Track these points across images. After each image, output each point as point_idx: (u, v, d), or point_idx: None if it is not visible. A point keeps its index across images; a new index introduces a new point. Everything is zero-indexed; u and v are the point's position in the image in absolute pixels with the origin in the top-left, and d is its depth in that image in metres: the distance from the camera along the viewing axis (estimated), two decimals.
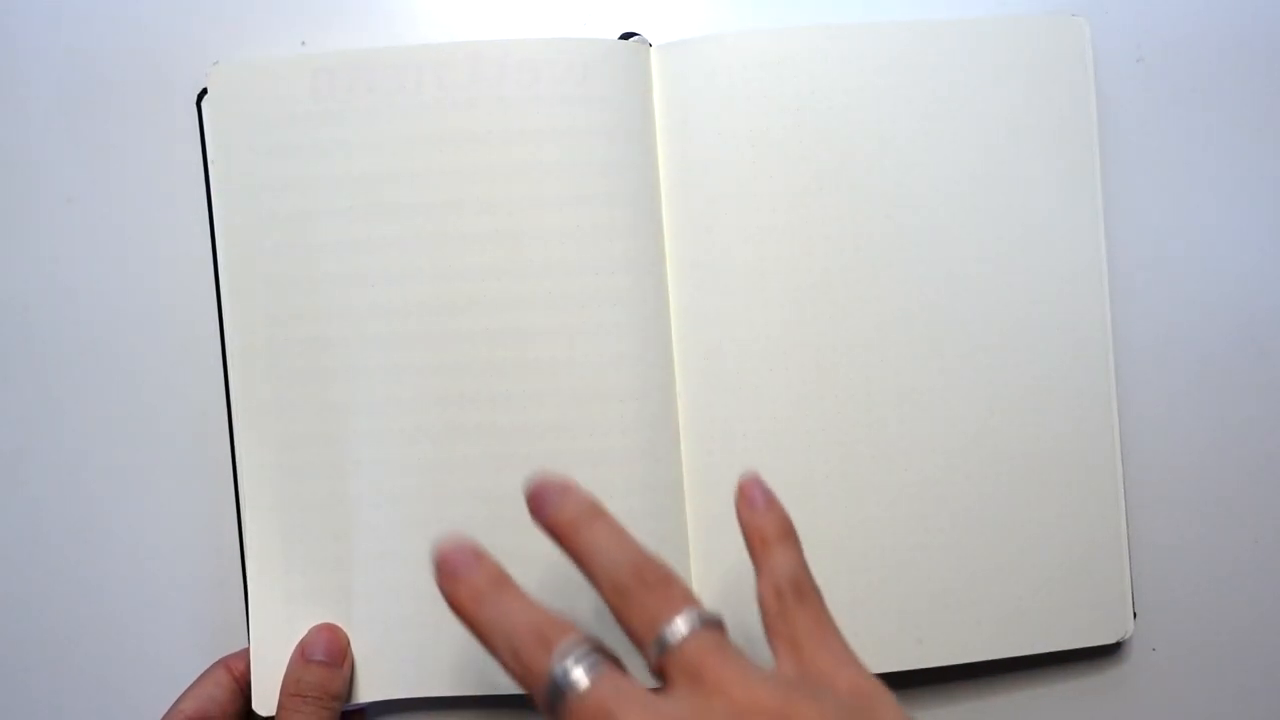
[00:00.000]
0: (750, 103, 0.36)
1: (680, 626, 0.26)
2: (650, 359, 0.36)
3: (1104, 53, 0.38)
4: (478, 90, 0.36)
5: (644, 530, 0.36)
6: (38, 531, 0.38)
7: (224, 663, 0.36)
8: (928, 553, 0.37)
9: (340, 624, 0.36)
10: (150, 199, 0.38)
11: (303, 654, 0.35)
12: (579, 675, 0.24)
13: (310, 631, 0.35)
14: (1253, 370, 0.40)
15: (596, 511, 0.29)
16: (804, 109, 0.36)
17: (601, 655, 0.25)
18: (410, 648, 0.36)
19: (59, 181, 0.39)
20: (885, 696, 0.26)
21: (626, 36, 0.38)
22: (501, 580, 0.27)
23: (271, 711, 0.35)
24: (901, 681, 0.38)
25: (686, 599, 0.27)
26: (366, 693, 0.36)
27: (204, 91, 0.37)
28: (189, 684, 0.35)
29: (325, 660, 0.34)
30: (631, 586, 0.27)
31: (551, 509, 0.29)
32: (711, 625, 0.26)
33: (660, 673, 0.26)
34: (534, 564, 0.36)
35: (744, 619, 0.37)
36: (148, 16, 0.39)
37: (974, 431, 0.37)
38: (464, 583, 0.27)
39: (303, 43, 0.39)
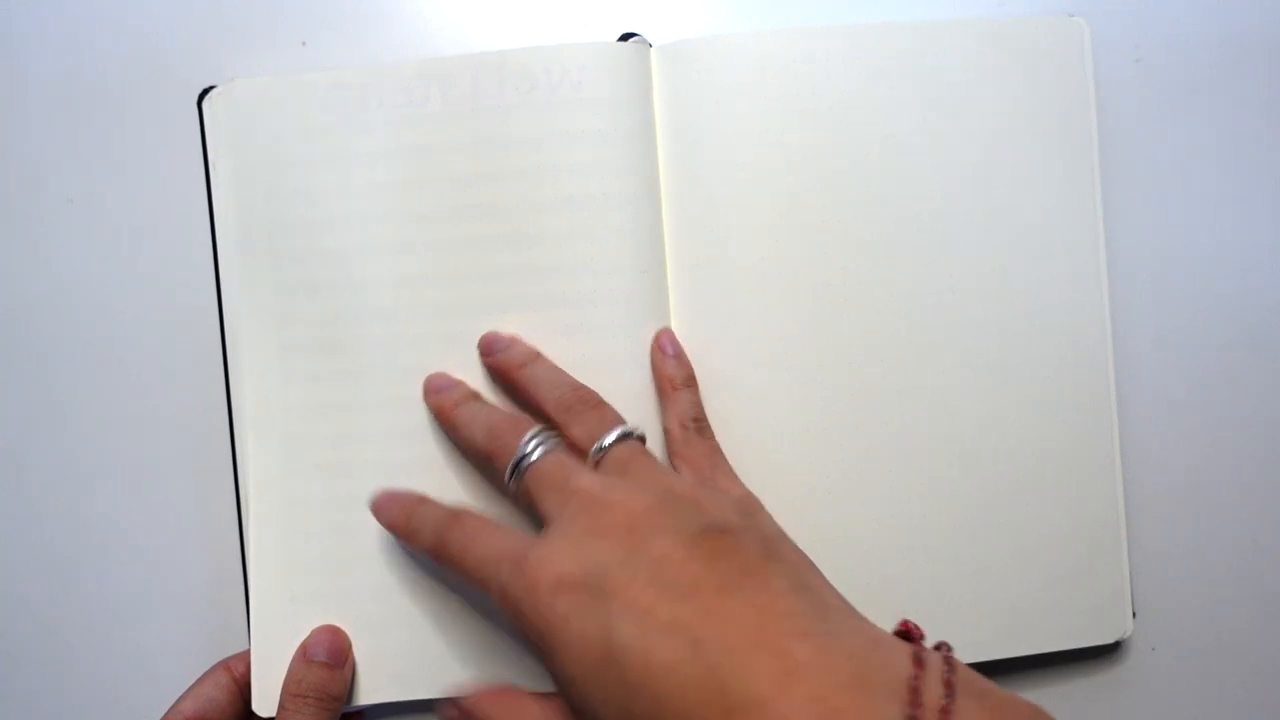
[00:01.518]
0: (751, 103, 0.36)
1: (614, 435, 0.32)
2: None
3: (1102, 53, 0.39)
4: (480, 100, 0.36)
5: None
6: (38, 531, 0.38)
7: (224, 664, 0.36)
8: (927, 552, 0.37)
9: (342, 625, 0.36)
10: (150, 199, 0.38)
11: (304, 654, 0.35)
12: (537, 449, 0.31)
13: (312, 632, 0.35)
14: (1252, 370, 0.40)
15: (536, 355, 0.35)
16: (804, 109, 0.37)
17: (557, 437, 0.32)
18: (412, 650, 0.36)
19: (59, 181, 0.39)
20: (763, 511, 0.32)
21: (626, 37, 0.38)
22: (473, 394, 0.35)
23: (272, 712, 0.35)
24: None
25: (618, 418, 0.33)
26: (368, 695, 0.36)
27: (204, 92, 0.37)
28: (189, 685, 0.35)
29: (327, 661, 0.34)
30: (574, 405, 0.33)
31: (500, 353, 0.35)
32: (638, 438, 0.33)
33: (596, 469, 0.32)
34: None
35: None
36: (147, 17, 0.39)
37: (973, 431, 0.37)
38: (445, 394, 0.35)
39: (303, 43, 0.39)
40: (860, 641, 0.25)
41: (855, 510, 0.37)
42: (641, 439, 0.33)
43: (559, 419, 0.33)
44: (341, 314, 0.36)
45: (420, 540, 0.33)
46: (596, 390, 0.35)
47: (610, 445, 0.32)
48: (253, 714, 0.35)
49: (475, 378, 0.36)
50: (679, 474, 0.33)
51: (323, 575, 0.36)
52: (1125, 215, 0.39)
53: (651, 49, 0.37)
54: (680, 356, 0.36)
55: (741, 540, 0.28)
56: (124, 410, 0.38)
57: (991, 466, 0.37)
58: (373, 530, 0.36)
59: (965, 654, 0.37)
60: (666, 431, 0.35)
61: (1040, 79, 0.37)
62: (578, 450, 0.33)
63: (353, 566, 0.36)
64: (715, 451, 0.35)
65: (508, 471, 0.32)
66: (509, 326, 0.36)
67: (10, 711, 0.38)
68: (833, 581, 0.36)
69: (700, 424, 0.35)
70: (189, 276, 0.38)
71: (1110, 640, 0.37)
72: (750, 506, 0.32)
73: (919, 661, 0.25)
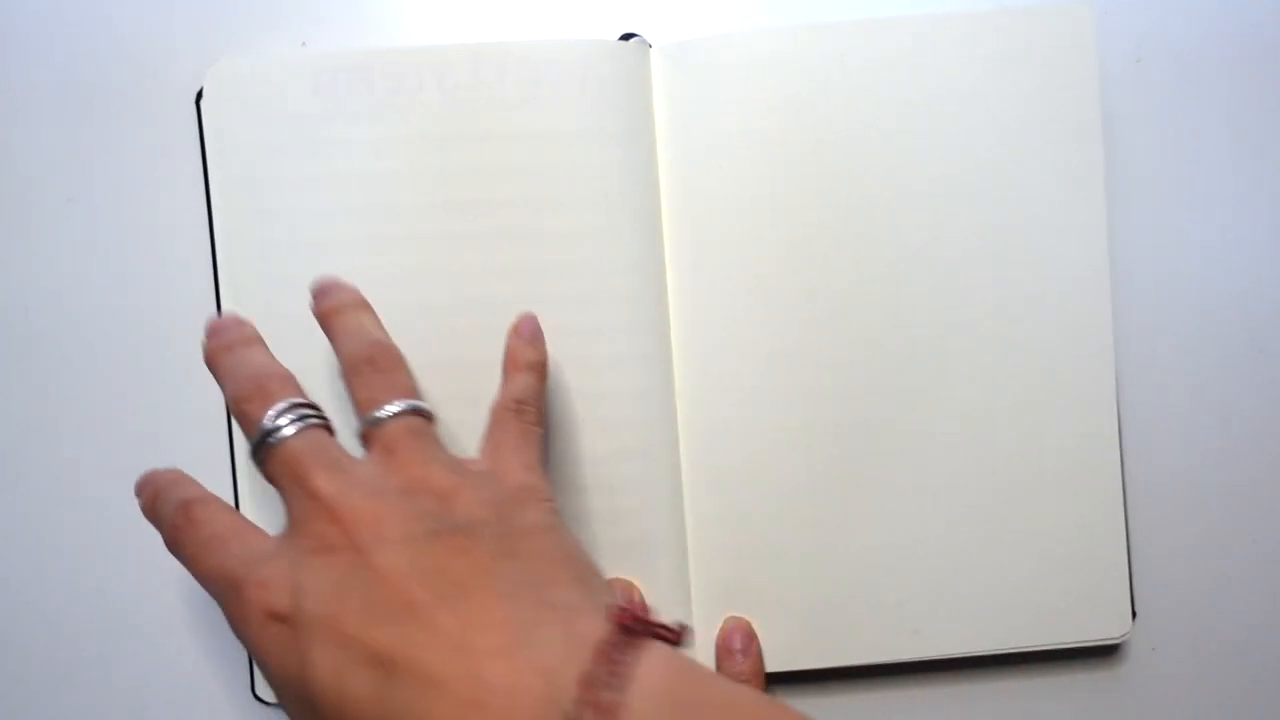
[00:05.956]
0: (751, 103, 0.36)
1: (390, 408, 0.29)
2: (650, 359, 0.36)
3: (1102, 53, 0.39)
4: (477, 91, 0.36)
5: (642, 528, 0.36)
6: (38, 531, 0.38)
7: None
8: (926, 547, 0.37)
9: None
10: (150, 199, 0.38)
11: None
12: (285, 428, 0.28)
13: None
14: (1253, 369, 0.40)
15: (357, 304, 0.33)
16: (805, 108, 0.37)
17: (313, 414, 0.28)
18: None
19: (59, 181, 0.39)
20: (538, 501, 0.28)
21: (627, 37, 0.38)
22: (250, 340, 0.31)
23: (275, 698, 0.35)
24: (899, 673, 0.38)
25: (405, 389, 0.30)
26: None
27: (203, 91, 0.37)
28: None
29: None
30: (363, 367, 0.30)
31: (321, 300, 0.33)
32: (418, 413, 0.29)
33: (365, 443, 0.29)
34: None
35: (743, 614, 0.37)
36: (147, 17, 0.39)
37: (975, 428, 0.37)
38: (218, 337, 0.31)
39: (303, 43, 0.39)
40: (558, 653, 0.24)
41: (855, 508, 0.37)
42: (427, 416, 0.30)
43: (347, 379, 0.31)
44: None
45: (161, 532, 0.29)
46: (595, 390, 0.35)
47: (386, 419, 0.29)
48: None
49: (474, 376, 0.36)
50: (459, 460, 0.29)
51: None
52: (1126, 215, 0.39)
53: (651, 49, 0.37)
54: (535, 342, 0.33)
55: (476, 540, 0.26)
56: (124, 410, 0.38)
57: (993, 465, 0.37)
58: None
59: (961, 647, 0.37)
60: (491, 411, 0.32)
61: (1045, 68, 0.37)
62: (356, 414, 0.30)
63: None
64: (525, 434, 0.31)
65: (254, 448, 0.28)
66: (506, 323, 0.36)
67: (10, 711, 0.38)
68: (832, 573, 0.36)
69: (523, 406, 0.31)
70: (188, 276, 0.38)
71: (1109, 638, 0.37)
72: (522, 496, 0.28)
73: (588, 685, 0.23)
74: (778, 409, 0.37)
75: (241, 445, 0.37)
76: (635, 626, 0.25)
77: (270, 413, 0.28)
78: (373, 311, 0.33)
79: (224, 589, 0.27)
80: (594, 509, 0.36)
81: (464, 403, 0.36)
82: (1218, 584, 0.40)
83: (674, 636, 0.26)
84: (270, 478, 0.28)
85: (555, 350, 0.36)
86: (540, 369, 0.33)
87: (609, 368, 0.36)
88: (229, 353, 0.30)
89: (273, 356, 0.31)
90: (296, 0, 0.39)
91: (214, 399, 0.38)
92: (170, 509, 0.29)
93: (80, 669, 0.38)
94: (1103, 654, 0.39)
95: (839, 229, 0.37)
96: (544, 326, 0.36)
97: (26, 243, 0.38)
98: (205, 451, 0.38)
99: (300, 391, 0.29)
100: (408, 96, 0.36)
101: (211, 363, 0.31)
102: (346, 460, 0.28)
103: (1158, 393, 0.40)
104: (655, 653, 0.24)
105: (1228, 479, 0.40)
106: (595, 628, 0.24)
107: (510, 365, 0.33)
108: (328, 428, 0.29)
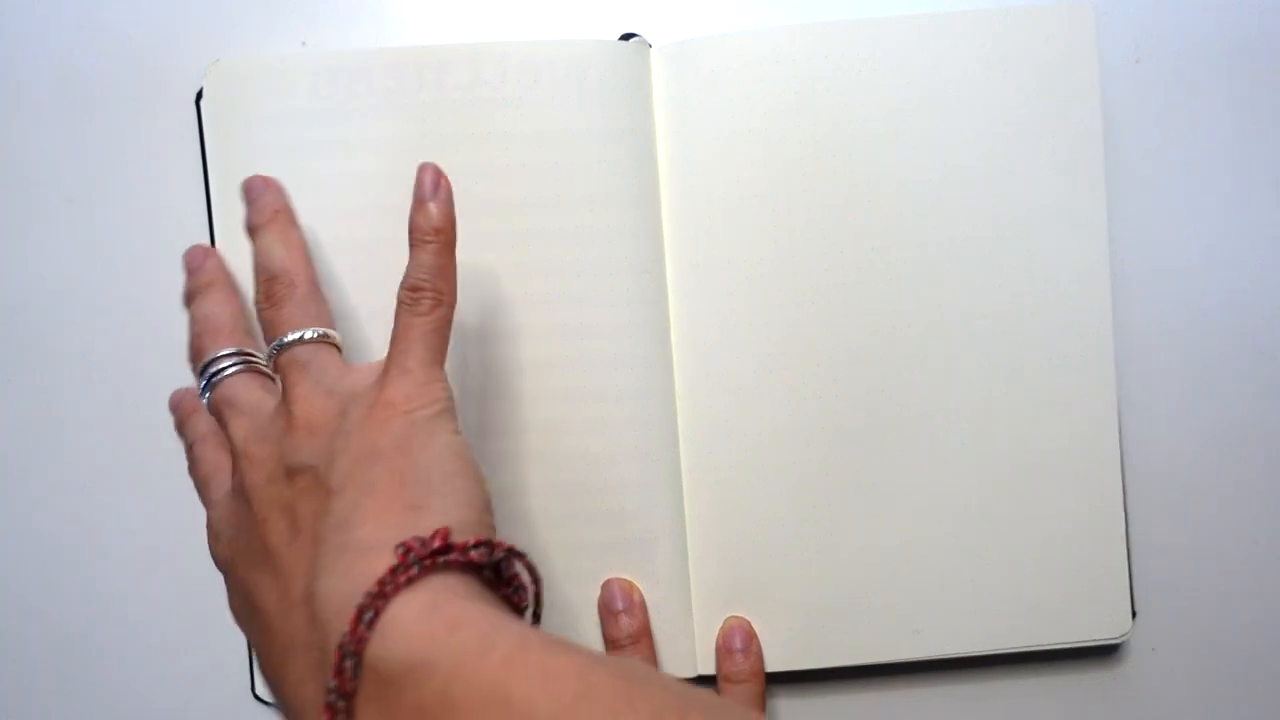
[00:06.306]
0: (751, 102, 0.36)
1: (278, 344, 0.30)
2: (650, 359, 0.36)
3: (1102, 53, 0.38)
4: (478, 91, 0.36)
5: (642, 528, 0.36)
6: (38, 532, 0.38)
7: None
8: (926, 547, 0.37)
9: None
10: (150, 199, 0.39)
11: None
12: (211, 381, 0.31)
13: None
14: (1252, 370, 0.40)
15: (269, 220, 0.33)
16: (805, 108, 0.37)
17: (237, 362, 0.31)
18: None
19: (59, 182, 0.39)
20: (397, 415, 0.27)
21: (626, 37, 0.38)
22: (206, 285, 0.34)
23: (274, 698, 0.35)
24: (899, 673, 0.38)
25: (292, 321, 0.30)
26: None
27: (203, 91, 0.37)
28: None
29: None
30: (261, 304, 0.31)
31: (246, 210, 0.34)
32: (303, 342, 0.30)
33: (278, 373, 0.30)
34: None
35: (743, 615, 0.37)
36: (147, 17, 0.39)
37: (975, 428, 0.37)
38: (190, 278, 0.34)
39: (303, 43, 0.39)
40: (334, 605, 0.23)
41: (855, 508, 0.37)
42: (318, 339, 0.30)
43: (256, 311, 0.32)
44: (333, 308, 0.36)
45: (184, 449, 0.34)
46: (595, 390, 0.35)
47: (276, 356, 0.30)
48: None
49: (472, 375, 0.36)
50: (349, 378, 0.29)
51: None
52: (1124, 215, 0.39)
53: (651, 49, 0.37)
54: (436, 199, 0.30)
55: (318, 477, 0.26)
56: (123, 410, 0.38)
57: (992, 462, 0.37)
58: None
59: (961, 647, 0.37)
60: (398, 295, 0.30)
61: (1045, 68, 0.37)
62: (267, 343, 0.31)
63: None
64: (411, 329, 0.28)
65: (200, 391, 0.32)
66: (505, 323, 0.36)
67: (12, 711, 0.38)
68: (832, 573, 0.36)
69: (416, 294, 0.29)
70: None
71: (1109, 638, 0.37)
72: (381, 414, 0.27)
73: (356, 635, 0.22)
74: (778, 409, 0.37)
75: None
76: (418, 562, 0.23)
77: (200, 371, 0.31)
78: (283, 223, 0.33)
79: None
80: (594, 509, 0.36)
81: (464, 401, 0.36)
82: (1218, 584, 0.40)
83: (479, 556, 0.24)
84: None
85: (554, 351, 0.36)
86: (440, 236, 0.29)
87: (609, 368, 0.36)
88: (190, 303, 0.34)
89: (217, 300, 0.33)
90: (296, 0, 0.39)
91: None
92: (185, 446, 0.33)
93: (80, 669, 0.38)
94: (1103, 654, 0.39)
95: (839, 229, 0.37)
96: (544, 326, 0.36)
97: (26, 243, 0.38)
98: None
99: (232, 337, 0.32)
100: (408, 96, 0.36)
101: (186, 306, 0.34)
102: (258, 401, 0.30)
103: (1157, 392, 0.40)
104: (413, 599, 0.23)
105: (1228, 479, 0.40)
106: (374, 571, 0.23)
107: (409, 241, 0.30)
108: (253, 369, 0.31)
